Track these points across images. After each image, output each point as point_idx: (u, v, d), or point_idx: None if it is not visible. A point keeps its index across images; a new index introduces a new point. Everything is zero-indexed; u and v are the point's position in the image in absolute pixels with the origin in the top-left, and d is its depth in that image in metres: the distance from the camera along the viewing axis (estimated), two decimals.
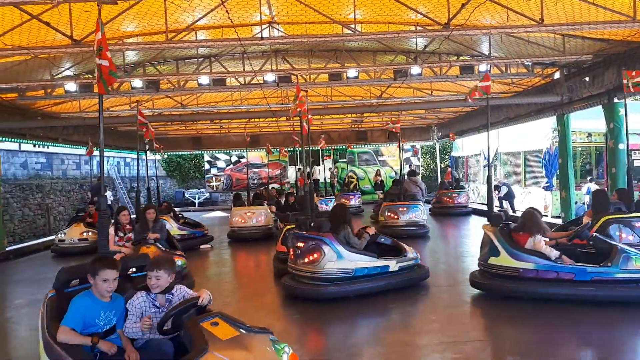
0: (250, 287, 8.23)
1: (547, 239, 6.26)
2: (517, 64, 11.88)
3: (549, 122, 14.34)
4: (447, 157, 25.72)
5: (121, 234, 7.52)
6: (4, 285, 9.46)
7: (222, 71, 11.57)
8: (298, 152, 25.13)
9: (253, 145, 21.56)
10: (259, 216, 12.73)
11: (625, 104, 8.10)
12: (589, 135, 15.09)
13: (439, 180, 21.63)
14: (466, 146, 22.86)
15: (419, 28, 9.46)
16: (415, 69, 10.89)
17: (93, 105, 14.67)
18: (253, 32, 9.72)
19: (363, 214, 17.84)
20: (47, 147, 17.18)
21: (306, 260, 6.53)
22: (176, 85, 12.54)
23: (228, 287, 8.13)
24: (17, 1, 6.24)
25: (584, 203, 13.60)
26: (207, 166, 26.91)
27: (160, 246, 7.40)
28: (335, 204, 9.37)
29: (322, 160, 22.67)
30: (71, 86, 10.94)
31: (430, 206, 17.77)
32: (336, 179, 25.21)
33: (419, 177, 17.79)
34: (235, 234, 12.77)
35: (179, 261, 7.21)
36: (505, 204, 15.96)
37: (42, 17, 7.22)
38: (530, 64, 11.83)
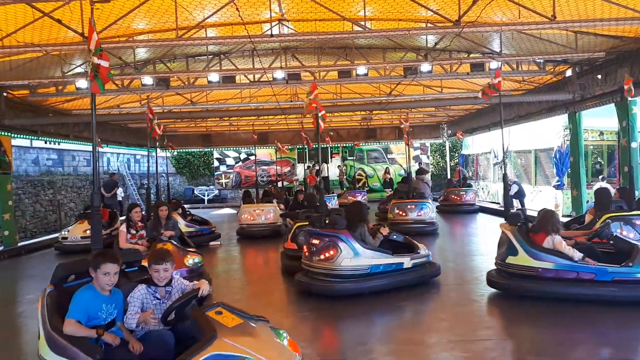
0: (259, 284, 8.25)
1: (569, 239, 6.22)
2: (529, 62, 11.78)
3: (560, 120, 14.21)
4: (457, 155, 25.58)
5: (133, 232, 7.41)
6: (15, 281, 9.57)
7: (231, 69, 11.59)
8: (306, 150, 25.15)
9: (262, 143, 21.58)
10: (267, 213, 12.75)
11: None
12: (601, 133, 14.93)
13: (452, 178, 21.58)
14: (476, 144, 22.72)
15: (429, 25, 9.41)
16: (425, 66, 10.83)
17: (104, 102, 14.77)
18: (263, 30, 9.72)
19: (369, 211, 17.79)
20: (58, 144, 17.32)
21: (322, 257, 6.55)
22: (186, 83, 12.58)
23: (237, 284, 8.15)
24: None
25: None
26: (216, 163, 27.00)
27: (175, 243, 7.33)
28: (351, 202, 9.40)
29: (331, 158, 22.64)
30: (82, 83, 11.02)
31: (437, 204, 17.74)
32: (345, 177, 25.18)
33: (427, 176, 17.76)
34: (244, 231, 12.79)
35: (196, 258, 7.14)
36: (516, 202, 15.85)
37: (53, 14, 7.26)
38: (541, 61, 11.74)
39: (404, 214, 12.42)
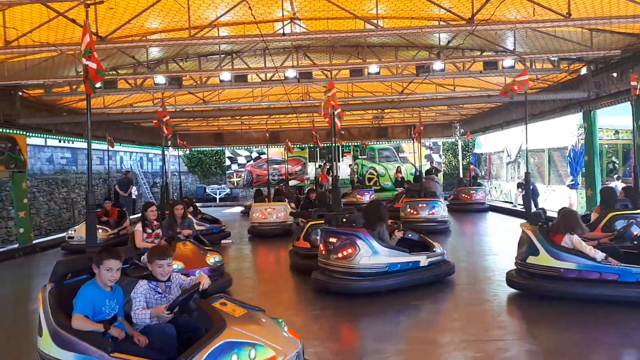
0: (270, 282, 8.27)
1: (591, 240, 6.15)
2: (543, 59, 11.65)
3: (574, 119, 14.05)
4: (469, 153, 25.41)
5: (149, 231, 7.24)
6: (30, 278, 9.69)
7: (243, 68, 11.62)
8: (318, 149, 25.12)
9: (273, 142, 21.62)
10: (279, 212, 12.78)
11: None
12: (616, 132, 14.76)
13: (465, 177, 21.52)
14: (489, 143, 22.56)
15: (442, 23, 9.35)
16: (437, 65, 10.75)
17: (117, 102, 14.90)
18: (275, 28, 9.73)
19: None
20: (72, 143, 17.50)
21: (339, 255, 6.56)
22: (198, 82, 12.63)
23: (248, 283, 8.17)
24: None
25: None
26: (227, 162, 27.11)
27: (195, 242, 7.26)
28: (370, 201, 9.41)
29: (342, 157, 22.61)
30: None
31: (447, 203, 17.74)
32: (356, 176, 25.14)
33: (437, 175, 17.78)
34: (255, 230, 12.84)
35: (216, 257, 7.05)
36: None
37: (68, 14, 7.33)
38: (556, 59, 11.59)
39: (415, 213, 12.55)
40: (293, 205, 14.22)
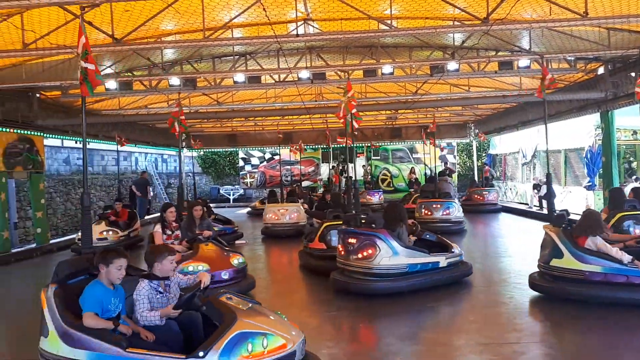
0: (283, 283, 8.28)
1: (616, 242, 6.06)
2: (559, 59, 11.51)
3: (591, 119, 13.86)
4: (484, 154, 25.20)
5: (169, 232, 7.09)
6: (47, 277, 9.75)
7: (257, 69, 11.66)
8: (331, 150, 25.10)
9: (286, 143, 21.68)
10: (292, 213, 12.79)
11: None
12: (634, 132, 14.51)
13: (476, 178, 21.43)
14: (504, 143, 22.34)
15: (456, 23, 9.28)
16: (452, 65, 10.69)
17: (132, 103, 15.04)
18: (288, 29, 9.74)
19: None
20: (88, 144, 17.68)
21: (359, 255, 6.55)
22: (212, 83, 12.70)
23: (262, 283, 8.15)
24: (62, 1, 6.42)
25: None
26: (241, 163, 27.21)
27: (217, 243, 7.15)
28: (389, 202, 9.44)
29: (355, 157, 22.56)
30: (111, 84, 11.23)
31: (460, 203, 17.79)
32: (369, 176, 25.07)
33: (451, 177, 17.74)
34: (268, 231, 12.87)
35: (240, 259, 6.93)
36: (545, 203, 15.56)
37: (84, 16, 7.40)
38: (572, 58, 11.45)
39: (429, 213, 12.58)
40: (306, 206, 14.21)
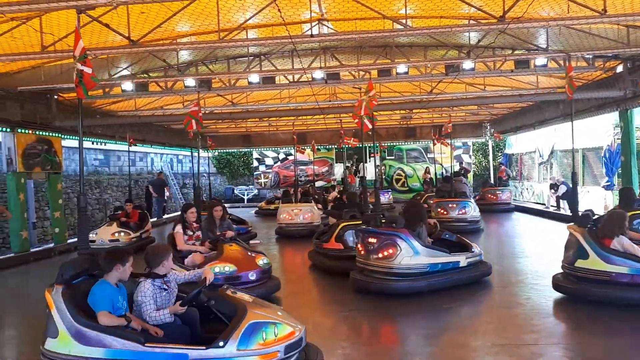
0: (297, 283, 8.27)
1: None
2: (577, 57, 11.35)
3: (610, 118, 13.64)
4: (500, 154, 24.96)
5: (190, 233, 6.97)
6: None
7: (271, 69, 11.69)
8: (345, 150, 25.06)
9: (300, 143, 21.70)
10: (306, 213, 12.80)
11: None
12: None
13: (492, 178, 21.29)
14: (520, 143, 22.09)
15: (472, 22, 9.20)
16: (467, 64, 10.60)
17: (148, 104, 15.18)
18: (302, 30, 9.75)
19: (394, 210, 17.77)
20: (105, 144, 17.89)
21: (380, 255, 6.54)
22: (227, 84, 12.76)
23: None
24: (79, 5, 6.50)
25: None
26: (255, 163, 27.32)
27: (241, 244, 7.10)
28: (409, 202, 9.44)
29: (369, 157, 22.49)
30: (127, 85, 11.35)
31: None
32: (383, 177, 24.98)
33: (466, 177, 17.66)
34: (282, 231, 12.89)
35: (264, 259, 6.85)
36: (563, 203, 15.37)
37: (101, 19, 7.49)
38: (590, 57, 11.27)
39: (445, 213, 12.56)
40: (320, 206, 14.20)
